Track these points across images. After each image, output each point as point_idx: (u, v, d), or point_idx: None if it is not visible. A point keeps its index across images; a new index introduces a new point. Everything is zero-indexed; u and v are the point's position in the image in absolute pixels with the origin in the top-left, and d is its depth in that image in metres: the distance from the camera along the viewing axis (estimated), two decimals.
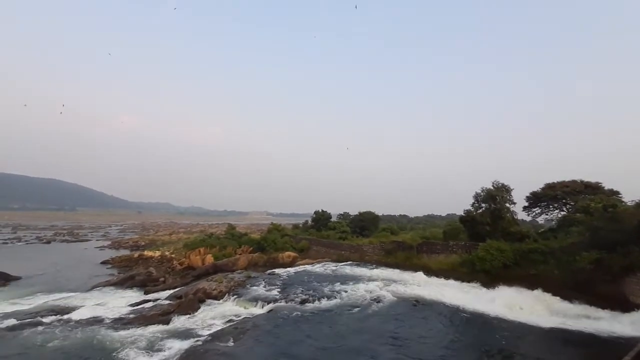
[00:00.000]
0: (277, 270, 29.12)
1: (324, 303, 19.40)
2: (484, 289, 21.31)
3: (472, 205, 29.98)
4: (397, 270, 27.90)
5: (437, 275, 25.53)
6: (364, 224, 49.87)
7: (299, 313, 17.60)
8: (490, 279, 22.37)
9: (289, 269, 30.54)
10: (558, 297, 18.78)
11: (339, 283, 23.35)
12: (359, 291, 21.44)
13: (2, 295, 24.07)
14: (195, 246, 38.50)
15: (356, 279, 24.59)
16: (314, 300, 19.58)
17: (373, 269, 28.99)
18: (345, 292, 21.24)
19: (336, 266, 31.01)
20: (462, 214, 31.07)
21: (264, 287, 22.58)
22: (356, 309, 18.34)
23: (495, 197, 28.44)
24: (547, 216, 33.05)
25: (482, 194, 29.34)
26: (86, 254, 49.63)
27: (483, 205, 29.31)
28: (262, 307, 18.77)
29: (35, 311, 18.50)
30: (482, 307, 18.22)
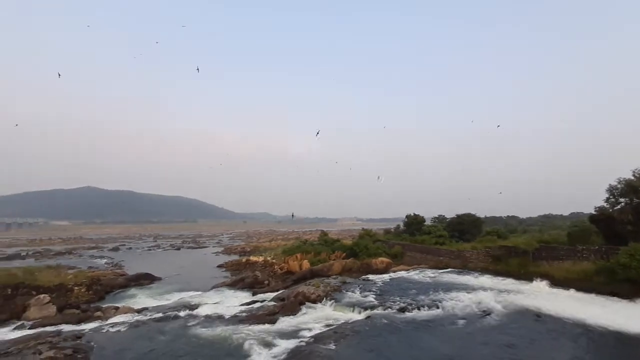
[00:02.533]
0: (370, 276, 28.81)
1: (424, 312, 18.30)
2: (629, 303, 17.43)
3: (607, 200, 24.57)
4: (509, 279, 24.60)
5: (563, 286, 21.56)
6: (464, 228, 45.67)
7: (398, 322, 16.96)
8: (636, 291, 18.03)
9: (383, 275, 29.89)
10: None
11: (439, 291, 21.76)
12: (464, 301, 19.53)
13: (150, 292, 30.08)
14: (292, 252, 41.03)
15: (459, 288, 22.52)
16: (412, 309, 18.64)
17: (478, 276, 26.18)
18: (447, 301, 19.60)
19: (434, 273, 29.03)
20: (593, 211, 25.72)
21: (359, 292, 22.54)
22: (462, 322, 16.73)
23: (638, 189, 22.74)
24: None
25: (619, 186, 23.83)
26: (206, 258, 58.16)
27: (621, 200, 23.76)
28: (360, 313, 18.70)
29: (173, 306, 22.34)
30: (628, 324, 14.68)
